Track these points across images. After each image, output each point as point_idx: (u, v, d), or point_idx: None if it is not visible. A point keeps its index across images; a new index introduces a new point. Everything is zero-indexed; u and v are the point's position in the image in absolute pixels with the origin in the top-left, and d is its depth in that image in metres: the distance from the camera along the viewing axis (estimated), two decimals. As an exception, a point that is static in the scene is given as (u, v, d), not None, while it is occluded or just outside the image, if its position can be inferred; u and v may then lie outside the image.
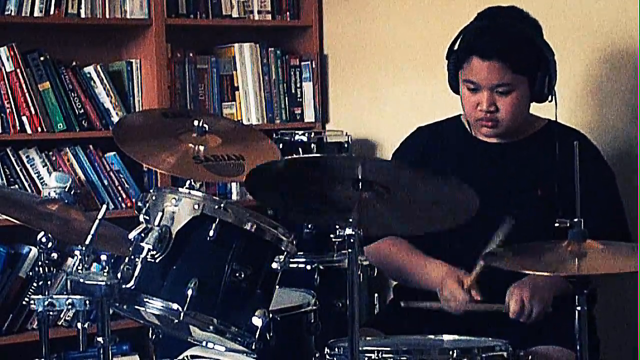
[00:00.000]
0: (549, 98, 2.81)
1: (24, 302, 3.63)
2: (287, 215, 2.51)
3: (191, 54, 4.02)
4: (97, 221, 2.41)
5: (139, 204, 2.45)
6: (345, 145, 3.67)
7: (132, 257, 2.35)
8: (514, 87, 2.75)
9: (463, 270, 2.72)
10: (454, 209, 2.33)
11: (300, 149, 3.51)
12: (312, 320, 2.65)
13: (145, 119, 2.97)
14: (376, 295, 3.61)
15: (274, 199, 2.46)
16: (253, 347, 2.37)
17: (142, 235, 2.34)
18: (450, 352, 2.37)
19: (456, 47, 2.83)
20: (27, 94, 3.67)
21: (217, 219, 2.36)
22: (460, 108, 2.88)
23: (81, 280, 2.25)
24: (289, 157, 2.46)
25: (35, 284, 3.38)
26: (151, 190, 2.47)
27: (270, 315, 2.38)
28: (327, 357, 2.47)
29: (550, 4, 3.33)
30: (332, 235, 2.94)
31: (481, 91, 2.77)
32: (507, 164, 2.85)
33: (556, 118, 2.83)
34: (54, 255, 2.67)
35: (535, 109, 2.88)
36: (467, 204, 2.27)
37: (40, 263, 2.69)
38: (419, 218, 2.38)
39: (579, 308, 2.30)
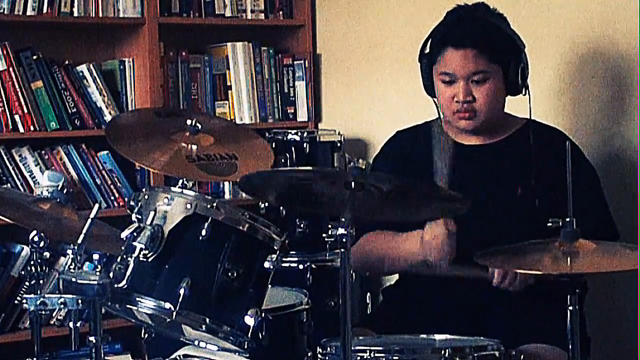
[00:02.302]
0: (523, 91, 2.82)
1: (16, 301, 3.63)
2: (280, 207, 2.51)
3: (184, 53, 4.02)
4: (89, 220, 2.41)
5: (132, 203, 2.45)
6: (338, 145, 3.67)
7: (125, 256, 2.35)
8: (488, 76, 2.77)
9: None
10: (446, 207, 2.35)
11: (293, 148, 3.51)
12: (305, 320, 2.65)
13: (137, 118, 2.97)
14: (368, 294, 3.62)
15: (266, 195, 2.48)
16: (245, 346, 2.38)
17: (135, 234, 2.34)
18: (442, 352, 2.37)
19: (428, 45, 2.85)
20: (19, 93, 3.66)
21: (210, 218, 2.36)
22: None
23: (73, 279, 2.25)
24: (278, 169, 2.46)
25: (27, 283, 3.36)
26: (143, 190, 2.47)
27: (263, 314, 2.38)
28: (320, 356, 2.47)
29: (523, 1, 3.34)
30: (324, 235, 2.94)
31: (457, 82, 2.79)
32: (487, 165, 2.85)
33: (530, 113, 2.83)
34: (46, 254, 2.67)
35: (512, 105, 2.89)
36: (457, 203, 2.29)
37: (32, 262, 2.69)
38: (410, 211, 2.42)
39: (570, 307, 2.31)
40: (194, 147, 2.60)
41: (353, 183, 2.23)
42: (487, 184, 2.82)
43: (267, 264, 2.41)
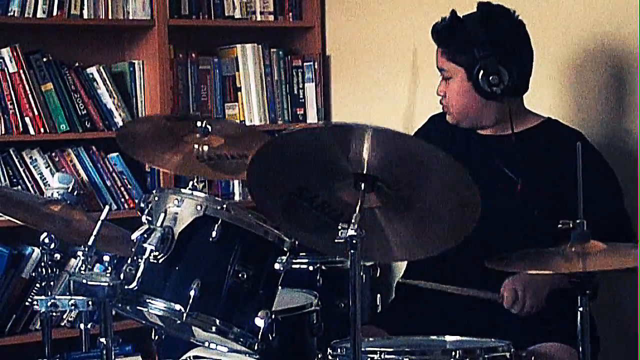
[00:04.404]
0: (500, 99, 2.83)
1: (27, 303, 3.63)
2: (286, 229, 2.45)
3: (193, 55, 4.02)
4: (99, 222, 2.41)
5: (142, 204, 2.45)
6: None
7: (135, 258, 2.35)
8: (449, 75, 2.88)
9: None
10: (458, 212, 2.29)
11: (303, 126, 3.51)
12: (315, 321, 2.65)
13: (148, 125, 2.96)
14: (378, 295, 3.61)
15: (273, 207, 2.39)
16: (255, 347, 2.38)
17: (145, 236, 2.34)
18: (453, 353, 2.37)
19: None
20: (30, 95, 3.67)
21: (220, 220, 2.36)
22: None
23: (84, 281, 2.26)
24: (290, 129, 2.35)
25: (38, 285, 3.39)
26: (154, 191, 2.47)
27: (273, 315, 2.38)
28: (330, 357, 2.47)
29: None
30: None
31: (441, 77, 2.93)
32: (499, 155, 2.85)
33: (512, 125, 2.84)
34: (57, 256, 2.68)
35: (531, 103, 2.92)
36: (471, 201, 2.23)
37: (43, 264, 2.70)
38: (420, 231, 2.34)
39: (581, 308, 2.30)
40: (205, 147, 2.61)
41: (363, 184, 2.22)
42: (496, 173, 2.82)
43: (277, 266, 2.41)
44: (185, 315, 2.32)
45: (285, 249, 2.43)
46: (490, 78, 2.81)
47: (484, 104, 2.86)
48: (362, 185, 2.23)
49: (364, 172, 2.22)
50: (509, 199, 2.79)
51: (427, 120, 3.10)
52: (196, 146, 2.61)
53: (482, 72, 2.81)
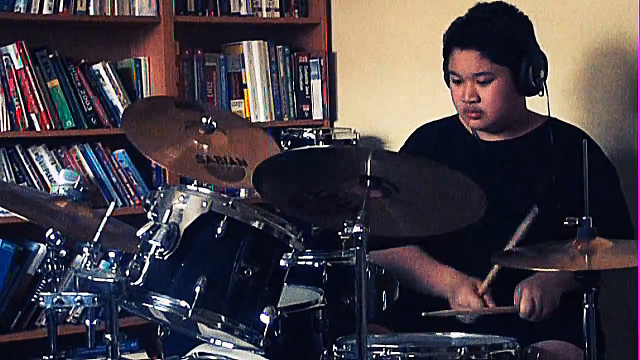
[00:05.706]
0: (540, 92, 2.81)
1: (32, 299, 3.64)
2: (293, 215, 2.48)
3: (199, 52, 4.02)
4: (105, 218, 2.41)
5: (147, 201, 2.45)
6: (354, 143, 3.67)
7: (140, 254, 2.35)
8: (493, 77, 2.77)
9: (473, 278, 2.73)
10: (463, 209, 2.32)
11: (308, 147, 3.50)
12: (320, 318, 2.65)
13: (156, 105, 2.91)
14: (384, 292, 3.61)
15: (280, 198, 2.44)
16: (261, 344, 2.38)
17: (150, 232, 2.34)
18: (458, 350, 2.37)
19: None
20: (35, 92, 3.68)
21: (225, 217, 2.36)
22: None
23: (89, 277, 2.26)
24: (295, 149, 2.42)
25: (43, 281, 3.39)
26: (159, 188, 2.47)
27: (278, 312, 2.38)
28: (335, 354, 2.47)
29: (539, 1, 3.34)
30: (340, 233, 2.92)
31: (464, 82, 2.80)
32: (506, 161, 2.84)
33: (549, 113, 2.83)
34: (63, 252, 2.68)
35: (533, 104, 2.89)
36: (476, 202, 2.26)
37: (48, 260, 2.70)
38: (427, 219, 2.37)
39: (587, 306, 2.30)
40: (205, 146, 2.60)
41: (368, 181, 2.23)
42: (505, 180, 2.82)
43: (282, 262, 2.41)
44: (190, 311, 2.32)
45: (290, 245, 2.43)
46: (540, 71, 2.77)
47: (517, 101, 2.82)
48: (368, 182, 2.24)
49: (369, 174, 2.24)
50: (526, 204, 2.78)
51: (418, 132, 3.01)
52: (197, 143, 2.59)
53: (531, 67, 2.76)
